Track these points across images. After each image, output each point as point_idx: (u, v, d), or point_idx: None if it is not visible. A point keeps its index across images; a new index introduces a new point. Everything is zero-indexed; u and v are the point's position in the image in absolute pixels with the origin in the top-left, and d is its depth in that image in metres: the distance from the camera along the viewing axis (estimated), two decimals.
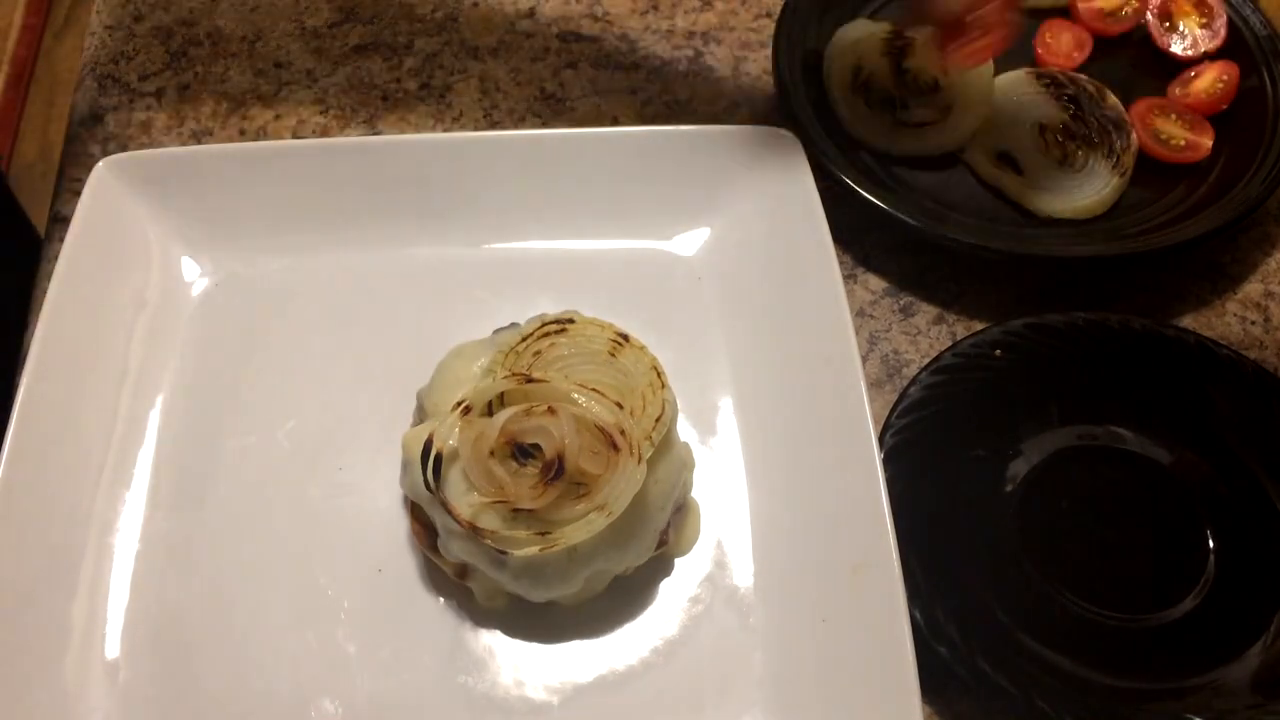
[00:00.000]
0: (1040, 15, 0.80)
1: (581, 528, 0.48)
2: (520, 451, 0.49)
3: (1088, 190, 0.70)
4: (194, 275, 0.63)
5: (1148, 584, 0.57)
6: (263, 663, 0.52)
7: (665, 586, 0.55)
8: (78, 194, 0.61)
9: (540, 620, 0.53)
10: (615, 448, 0.49)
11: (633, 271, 0.65)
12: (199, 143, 0.73)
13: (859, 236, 0.70)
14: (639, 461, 0.49)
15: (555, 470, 0.48)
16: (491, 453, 0.49)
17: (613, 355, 0.53)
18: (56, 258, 0.58)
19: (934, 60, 0.61)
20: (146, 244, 0.62)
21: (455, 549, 0.50)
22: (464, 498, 0.49)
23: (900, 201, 0.68)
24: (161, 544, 0.55)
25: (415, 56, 0.78)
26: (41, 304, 0.57)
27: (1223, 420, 0.61)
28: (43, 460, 0.53)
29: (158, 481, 0.56)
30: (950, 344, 0.63)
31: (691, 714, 0.52)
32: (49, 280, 0.57)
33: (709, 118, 0.76)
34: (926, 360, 0.63)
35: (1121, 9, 0.79)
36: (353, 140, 0.69)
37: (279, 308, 0.62)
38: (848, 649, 0.51)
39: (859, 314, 0.67)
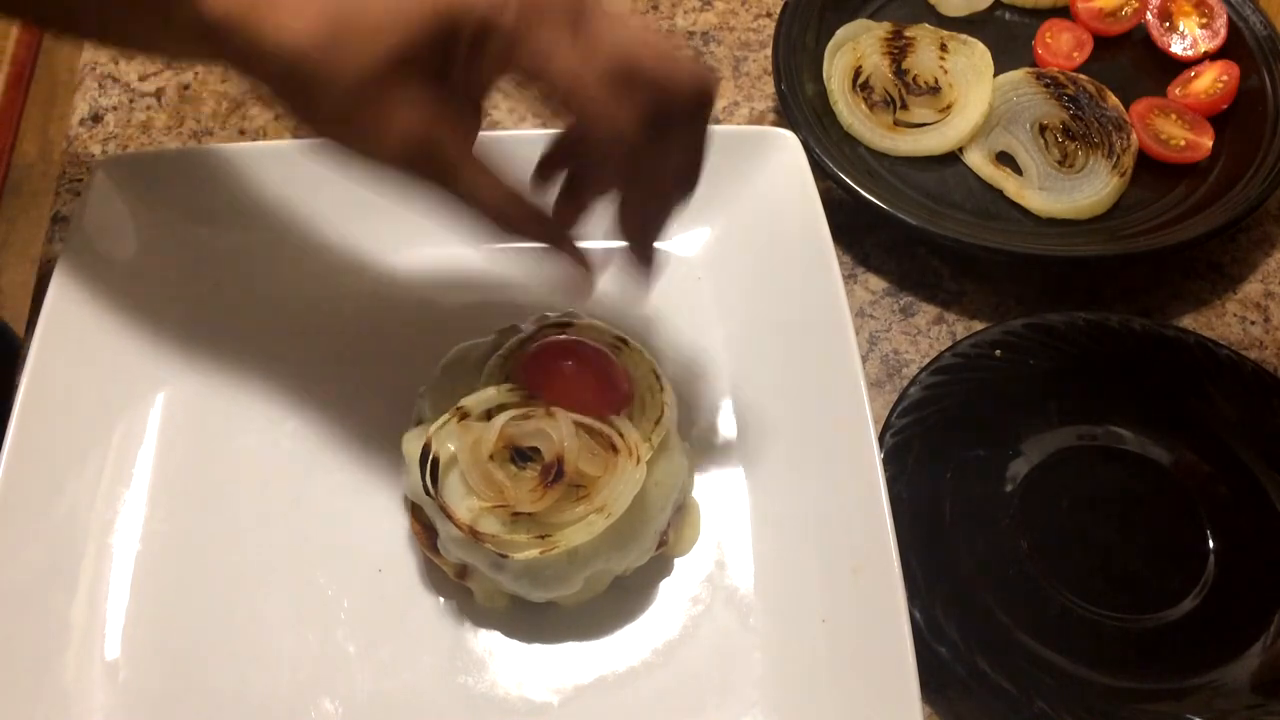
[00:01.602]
0: (1040, 15, 0.80)
1: (581, 530, 0.48)
2: (519, 455, 0.49)
3: (1088, 190, 0.70)
4: (194, 275, 0.63)
5: (1148, 584, 0.57)
6: (263, 663, 0.52)
7: (665, 586, 0.55)
8: (78, 194, 0.61)
9: (540, 620, 0.53)
10: (614, 450, 0.49)
11: None
12: (199, 143, 0.73)
13: (859, 236, 0.70)
14: (638, 464, 0.49)
15: (555, 473, 0.48)
16: (490, 456, 0.49)
17: None
18: (57, 258, 0.58)
19: None
20: (146, 244, 0.62)
21: (455, 550, 0.50)
22: (463, 502, 0.49)
23: (900, 201, 0.68)
24: (161, 544, 0.55)
25: None
26: (42, 309, 0.57)
27: (1223, 420, 0.61)
28: (43, 460, 0.53)
29: (158, 481, 0.56)
30: (950, 344, 0.63)
31: (691, 714, 0.52)
32: (49, 280, 0.57)
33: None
34: (926, 360, 0.63)
35: (1121, 9, 0.79)
36: None
37: (279, 307, 0.62)
38: (848, 649, 0.51)
39: (859, 314, 0.67)
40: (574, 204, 0.50)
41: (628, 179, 0.47)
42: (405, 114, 0.43)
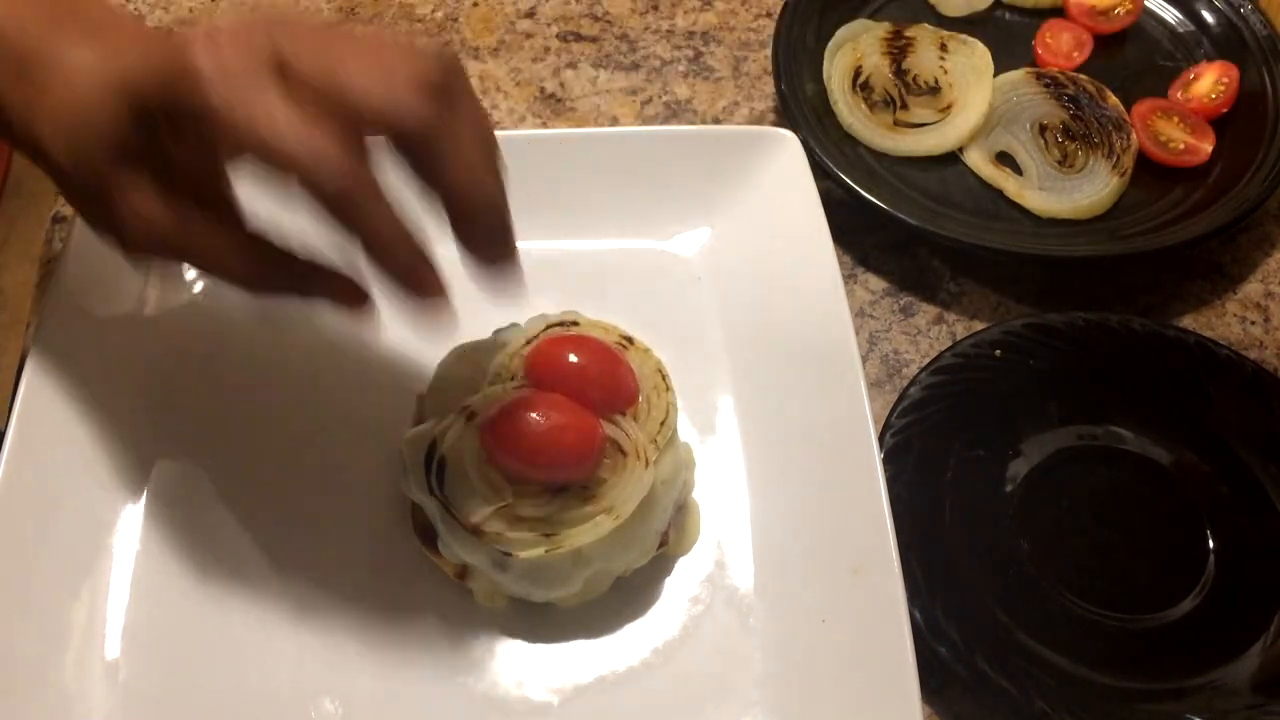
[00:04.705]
0: (1040, 15, 0.80)
1: (588, 530, 0.48)
2: None
3: (1087, 190, 0.70)
4: (194, 274, 0.63)
5: (1148, 584, 0.57)
6: (263, 663, 0.52)
7: (665, 586, 0.55)
8: None
9: (540, 620, 0.53)
10: (623, 451, 0.49)
11: (632, 271, 0.65)
12: None
13: (859, 236, 0.70)
14: (646, 465, 0.49)
15: None
16: None
17: None
18: (57, 258, 0.58)
19: None
20: None
21: (456, 550, 0.50)
22: (468, 501, 0.49)
23: (900, 201, 0.68)
24: (161, 544, 0.55)
25: None
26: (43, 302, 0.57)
27: (1223, 420, 0.61)
28: (43, 460, 0.53)
29: (158, 481, 0.56)
30: (950, 344, 0.63)
31: (691, 714, 0.51)
32: (51, 279, 0.57)
33: (709, 118, 0.76)
34: (926, 360, 0.63)
35: (1114, 9, 0.79)
36: None
37: (279, 307, 0.62)
38: (848, 649, 0.51)
39: (859, 314, 0.67)
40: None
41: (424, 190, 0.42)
42: (132, 203, 0.42)
